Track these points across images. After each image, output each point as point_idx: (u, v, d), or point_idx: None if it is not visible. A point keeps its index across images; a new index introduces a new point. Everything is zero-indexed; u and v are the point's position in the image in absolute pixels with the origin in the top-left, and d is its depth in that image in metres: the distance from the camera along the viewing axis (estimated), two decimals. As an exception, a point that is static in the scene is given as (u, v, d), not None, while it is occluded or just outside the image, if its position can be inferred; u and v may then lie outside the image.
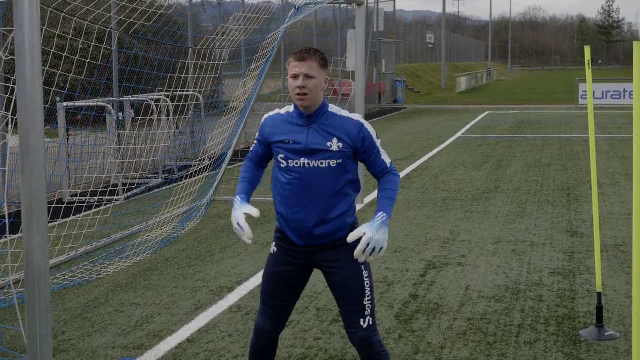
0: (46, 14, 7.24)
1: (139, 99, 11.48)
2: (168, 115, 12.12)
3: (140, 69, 9.68)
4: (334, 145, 3.50)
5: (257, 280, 6.50)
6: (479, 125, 22.61)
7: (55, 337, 5.20)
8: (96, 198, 10.15)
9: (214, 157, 10.57)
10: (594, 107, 5.53)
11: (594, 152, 5.20)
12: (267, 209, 8.97)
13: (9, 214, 6.89)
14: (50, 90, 6.71)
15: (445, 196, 10.53)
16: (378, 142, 3.61)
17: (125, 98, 11.81)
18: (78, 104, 10.24)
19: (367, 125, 3.57)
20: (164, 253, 7.54)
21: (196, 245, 7.87)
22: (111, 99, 11.54)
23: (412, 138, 19.07)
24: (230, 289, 6.30)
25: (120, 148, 10.97)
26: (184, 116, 13.06)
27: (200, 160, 10.82)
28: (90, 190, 10.61)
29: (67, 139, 10.44)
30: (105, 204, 9.70)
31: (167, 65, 10.01)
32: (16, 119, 3.60)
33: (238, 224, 3.55)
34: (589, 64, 5.16)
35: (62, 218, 8.04)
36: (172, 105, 12.12)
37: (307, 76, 3.48)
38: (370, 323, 3.59)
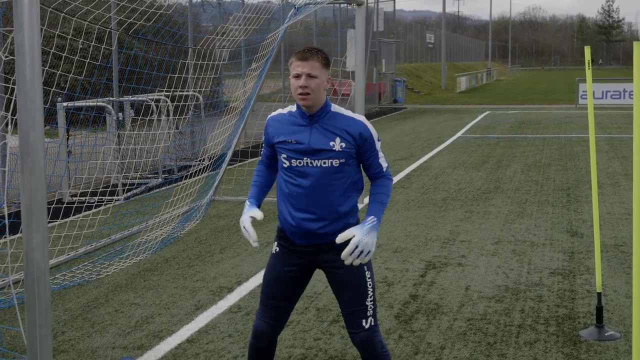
0: (46, 14, 7.24)
1: (139, 99, 11.48)
2: (168, 115, 12.11)
3: (140, 69, 9.68)
4: (337, 145, 3.50)
5: (257, 280, 6.50)
6: (479, 125, 22.61)
7: (55, 337, 5.20)
8: (96, 198, 10.15)
9: (213, 157, 10.56)
10: (594, 107, 5.53)
11: (594, 152, 5.20)
12: (267, 209, 8.96)
13: (9, 214, 6.88)
14: (50, 91, 6.70)
15: (445, 196, 10.53)
16: (378, 145, 3.61)
17: (125, 98, 11.81)
18: (78, 104, 10.23)
19: (370, 126, 3.56)
20: (164, 253, 7.54)
21: (196, 246, 7.86)
22: (111, 99, 11.53)
23: (412, 138, 19.06)
24: (230, 289, 6.30)
25: (120, 148, 10.97)
26: (183, 116, 13.05)
27: (200, 161, 10.81)
28: (90, 190, 10.61)
29: (67, 138, 10.44)
30: (105, 204, 9.70)
31: (167, 65, 10.01)
32: (16, 119, 3.60)
33: (244, 227, 3.59)
34: (589, 64, 5.15)
35: (61, 218, 8.04)
36: (172, 105, 12.11)
37: (310, 76, 3.47)
38: (372, 323, 3.59)
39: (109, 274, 6.75)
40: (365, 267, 3.59)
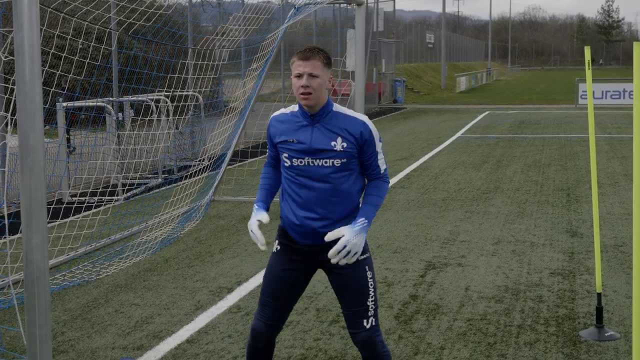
0: (46, 14, 7.24)
1: (139, 99, 11.48)
2: (168, 115, 12.11)
3: (140, 69, 9.68)
4: (338, 144, 3.49)
5: (256, 280, 6.50)
6: (479, 125, 22.61)
7: (54, 337, 5.20)
8: (96, 198, 10.14)
9: (213, 157, 10.56)
10: (593, 107, 5.53)
11: (593, 152, 5.20)
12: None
13: (9, 214, 6.89)
14: (50, 91, 6.70)
15: (445, 196, 10.52)
16: (379, 146, 3.59)
17: (125, 98, 11.80)
18: (77, 104, 10.23)
19: (372, 126, 3.55)
20: (164, 253, 7.53)
21: (196, 246, 7.86)
22: (111, 99, 11.53)
23: (412, 138, 19.06)
24: (230, 290, 6.29)
25: (119, 148, 10.97)
26: (183, 116, 13.05)
27: (199, 161, 10.81)
28: (90, 190, 10.61)
29: (68, 139, 10.44)
30: (105, 204, 9.69)
31: (166, 65, 10.01)
32: (16, 119, 3.60)
33: (252, 231, 3.61)
34: (589, 64, 5.15)
35: (61, 218, 8.04)
36: (172, 105, 12.11)
37: (311, 75, 3.46)
38: (373, 324, 3.59)
39: (109, 274, 6.75)
40: (366, 267, 3.59)
